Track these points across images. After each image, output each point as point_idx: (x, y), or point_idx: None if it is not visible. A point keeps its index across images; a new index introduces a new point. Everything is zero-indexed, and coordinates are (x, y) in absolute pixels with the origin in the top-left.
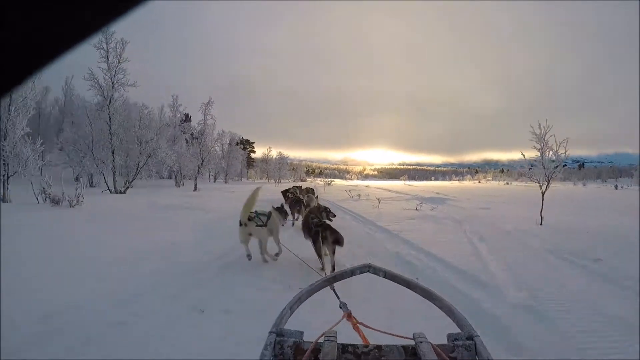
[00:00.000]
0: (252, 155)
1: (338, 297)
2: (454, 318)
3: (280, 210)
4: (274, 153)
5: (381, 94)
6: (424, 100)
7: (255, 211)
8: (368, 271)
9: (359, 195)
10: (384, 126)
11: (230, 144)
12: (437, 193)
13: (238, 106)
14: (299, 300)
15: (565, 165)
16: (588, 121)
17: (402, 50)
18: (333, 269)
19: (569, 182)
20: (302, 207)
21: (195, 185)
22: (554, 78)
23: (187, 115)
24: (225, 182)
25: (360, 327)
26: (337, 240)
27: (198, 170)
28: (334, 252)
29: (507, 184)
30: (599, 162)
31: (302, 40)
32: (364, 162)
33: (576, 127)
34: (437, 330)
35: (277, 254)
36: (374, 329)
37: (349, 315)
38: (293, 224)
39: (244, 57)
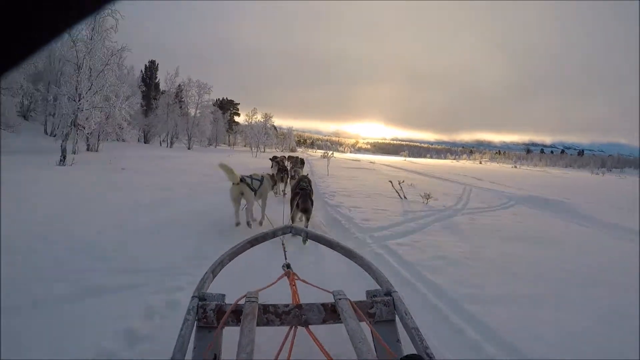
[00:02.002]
0: (237, 119)
1: (285, 257)
2: (373, 275)
3: (272, 178)
4: (259, 116)
5: (377, 63)
6: (419, 75)
7: (250, 175)
8: (290, 232)
9: (427, 197)
10: (377, 99)
11: (200, 97)
12: (478, 178)
13: (225, 68)
14: (221, 263)
15: (563, 152)
16: (583, 108)
17: (402, 16)
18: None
19: (571, 168)
20: (286, 176)
21: (63, 156)
22: (553, 62)
23: (153, 62)
24: (189, 148)
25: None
26: (305, 209)
27: (73, 123)
28: (307, 219)
29: (515, 167)
30: (590, 150)
31: None
32: (356, 136)
33: (571, 113)
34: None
35: (260, 221)
36: (313, 285)
37: (288, 274)
38: (277, 193)
39: (233, 14)
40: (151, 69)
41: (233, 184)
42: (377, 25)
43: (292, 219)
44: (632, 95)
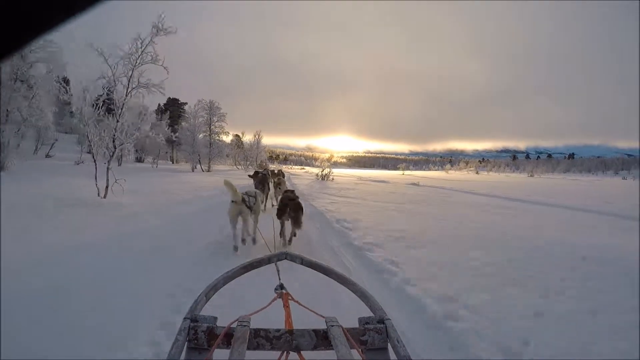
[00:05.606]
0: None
1: (279, 279)
2: (367, 302)
3: (258, 192)
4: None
5: (346, 73)
6: (388, 84)
7: (247, 192)
8: (285, 258)
9: None
10: (347, 111)
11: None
12: None
13: (177, 76)
14: (215, 287)
15: (550, 156)
16: (554, 112)
17: (373, 22)
18: (289, 240)
19: (576, 173)
20: (267, 185)
21: None
22: (523, 68)
23: None
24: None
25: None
26: (296, 219)
27: None
28: (295, 230)
29: (531, 175)
30: (561, 154)
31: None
32: (328, 150)
33: (542, 118)
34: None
35: (253, 238)
36: (306, 307)
37: (281, 296)
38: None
39: (194, 20)
40: None
41: (232, 201)
42: (347, 33)
43: (282, 234)
44: (600, 97)
